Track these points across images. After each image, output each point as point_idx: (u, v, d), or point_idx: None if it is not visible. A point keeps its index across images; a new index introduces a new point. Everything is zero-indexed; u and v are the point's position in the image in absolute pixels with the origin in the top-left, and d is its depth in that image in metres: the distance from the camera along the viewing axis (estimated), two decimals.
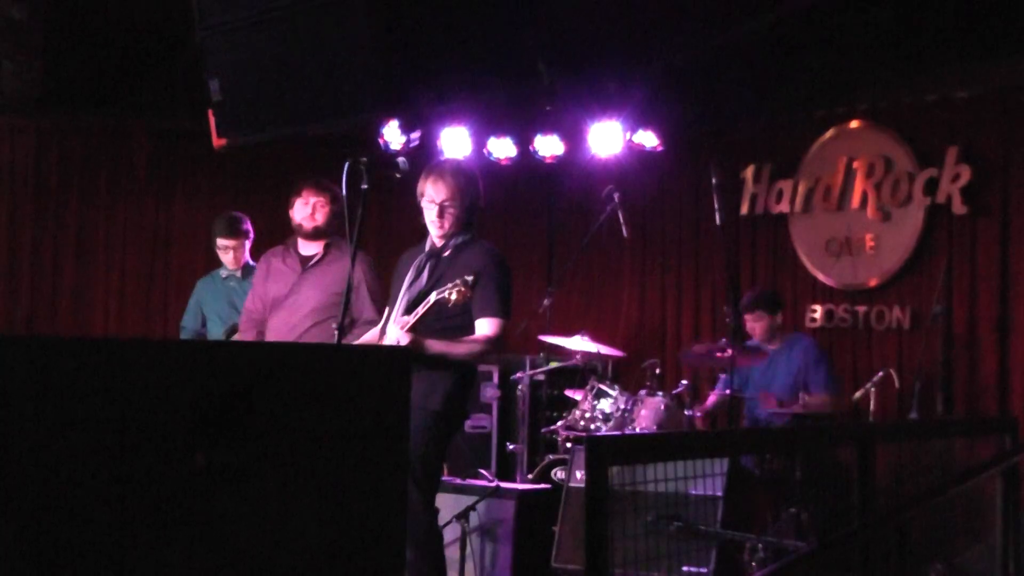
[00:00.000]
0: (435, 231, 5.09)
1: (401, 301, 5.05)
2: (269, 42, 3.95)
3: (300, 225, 5.91)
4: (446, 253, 5.05)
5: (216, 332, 6.71)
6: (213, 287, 6.89)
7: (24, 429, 2.15)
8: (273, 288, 5.91)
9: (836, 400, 6.83)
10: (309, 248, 5.94)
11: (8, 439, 2.13)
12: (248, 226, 6.85)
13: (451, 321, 4.87)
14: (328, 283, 5.76)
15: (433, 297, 4.78)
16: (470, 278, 4.71)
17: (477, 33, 4.37)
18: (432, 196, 5.04)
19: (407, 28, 3.97)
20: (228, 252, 6.79)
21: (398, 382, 2.76)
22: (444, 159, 5.11)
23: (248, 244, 6.83)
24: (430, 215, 5.07)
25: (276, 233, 6.02)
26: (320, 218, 5.88)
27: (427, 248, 5.13)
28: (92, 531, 2.20)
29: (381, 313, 5.44)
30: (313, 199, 5.88)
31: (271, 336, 5.77)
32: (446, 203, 5.01)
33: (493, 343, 4.93)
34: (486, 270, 4.91)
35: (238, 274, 6.78)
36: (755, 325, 7.11)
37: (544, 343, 7.52)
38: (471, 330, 4.93)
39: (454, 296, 4.70)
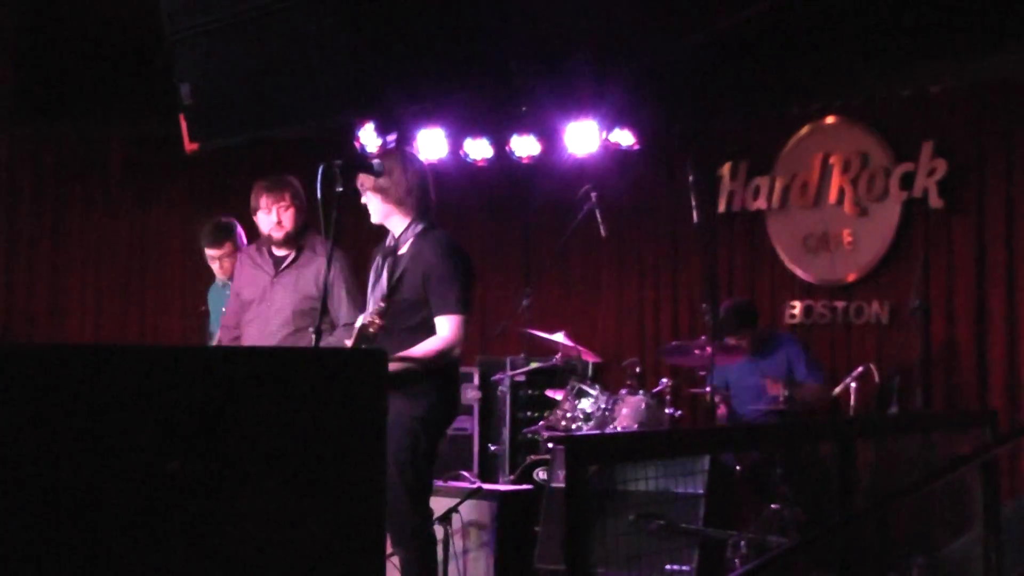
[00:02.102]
0: (392, 229, 5.01)
1: (368, 306, 4.97)
2: (240, 45, 3.92)
3: (269, 236, 5.55)
4: (401, 250, 4.92)
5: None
6: (215, 294, 6.62)
7: None
8: (246, 291, 5.62)
9: (826, 388, 6.89)
10: (283, 250, 5.58)
11: None
12: (237, 232, 6.48)
13: (411, 320, 4.77)
14: (301, 287, 5.44)
15: (359, 323, 4.71)
16: (383, 304, 4.62)
17: (451, 34, 4.34)
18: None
19: (381, 29, 3.94)
20: (215, 262, 6.47)
21: (375, 384, 2.73)
22: None
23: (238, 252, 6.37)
24: None
25: (253, 238, 5.85)
26: (287, 222, 5.50)
27: (386, 245, 5.02)
28: (65, 540, 2.17)
29: (360, 312, 5.33)
30: (274, 205, 5.49)
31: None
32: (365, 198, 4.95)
33: (450, 343, 4.77)
34: (437, 266, 4.78)
35: (231, 283, 6.30)
36: (741, 342, 7.06)
37: (525, 337, 7.48)
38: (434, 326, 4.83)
39: (370, 325, 4.63)
